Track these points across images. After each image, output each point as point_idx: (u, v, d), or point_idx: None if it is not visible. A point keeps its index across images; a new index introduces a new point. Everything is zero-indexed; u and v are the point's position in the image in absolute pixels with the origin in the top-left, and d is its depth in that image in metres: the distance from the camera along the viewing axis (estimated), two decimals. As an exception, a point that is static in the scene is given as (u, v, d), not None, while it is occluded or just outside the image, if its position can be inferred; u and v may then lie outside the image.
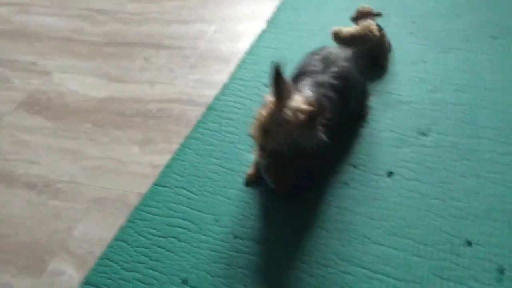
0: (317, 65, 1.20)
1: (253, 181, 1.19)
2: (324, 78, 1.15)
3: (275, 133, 1.01)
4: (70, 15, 2.06)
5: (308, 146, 1.03)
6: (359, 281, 0.98)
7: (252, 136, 1.07)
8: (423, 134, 1.30)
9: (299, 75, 1.20)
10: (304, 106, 1.00)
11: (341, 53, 1.26)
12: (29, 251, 1.12)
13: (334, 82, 1.14)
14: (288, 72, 1.09)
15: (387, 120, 1.36)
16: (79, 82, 1.67)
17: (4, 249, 1.13)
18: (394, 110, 1.39)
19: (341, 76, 1.17)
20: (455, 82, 1.47)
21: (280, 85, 1.01)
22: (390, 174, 1.20)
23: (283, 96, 1.02)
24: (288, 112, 1.00)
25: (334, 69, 1.18)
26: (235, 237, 1.09)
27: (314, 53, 1.28)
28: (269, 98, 1.05)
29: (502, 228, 1.04)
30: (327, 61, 1.21)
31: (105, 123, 1.49)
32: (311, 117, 0.99)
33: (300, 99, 1.03)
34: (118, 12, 2.06)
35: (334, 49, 1.29)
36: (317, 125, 1.00)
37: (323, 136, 1.03)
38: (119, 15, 2.04)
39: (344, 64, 1.21)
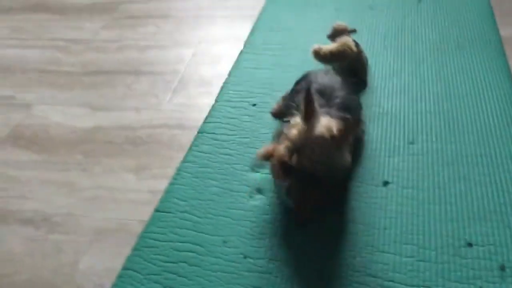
0: (318, 99, 1.21)
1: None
2: (331, 111, 1.17)
3: (310, 150, 1.03)
4: (43, 46, 2.04)
5: (338, 167, 1.06)
6: (373, 289, 1.01)
7: (268, 158, 1.09)
8: (411, 143, 1.37)
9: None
10: (335, 123, 1.05)
11: (332, 81, 1.30)
12: (34, 289, 1.10)
13: (342, 114, 1.17)
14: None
15: (375, 132, 1.42)
16: (62, 114, 1.65)
17: (7, 290, 1.10)
18: (380, 122, 1.46)
19: (345, 107, 1.21)
20: (433, 91, 1.55)
21: (312, 107, 1.05)
22: (385, 183, 1.25)
23: (313, 118, 1.05)
24: (322, 128, 1.04)
25: (336, 100, 1.22)
26: (245, 256, 1.10)
27: (303, 86, 1.30)
28: (298, 120, 1.08)
29: (498, 227, 1.11)
30: (324, 95, 1.23)
31: (95, 153, 1.47)
32: (344, 133, 1.04)
33: (328, 119, 1.06)
34: (93, 41, 2.06)
35: (320, 76, 1.33)
36: (348, 142, 1.04)
37: (349, 157, 1.07)
38: (94, 43, 2.04)
39: (342, 93, 1.25)
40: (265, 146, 1.17)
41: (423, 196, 1.21)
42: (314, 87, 1.25)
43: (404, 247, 1.09)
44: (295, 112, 1.12)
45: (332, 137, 1.04)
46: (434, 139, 1.37)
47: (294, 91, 1.37)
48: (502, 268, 1.02)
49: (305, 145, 1.04)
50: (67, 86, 1.79)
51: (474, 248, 1.07)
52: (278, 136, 1.16)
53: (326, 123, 1.05)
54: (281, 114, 1.36)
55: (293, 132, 1.06)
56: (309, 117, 1.06)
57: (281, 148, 1.08)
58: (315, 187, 1.08)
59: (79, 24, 2.18)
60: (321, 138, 1.04)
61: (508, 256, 1.04)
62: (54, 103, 1.70)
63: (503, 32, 1.80)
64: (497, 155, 1.30)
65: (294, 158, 1.04)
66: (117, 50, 1.97)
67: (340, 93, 1.25)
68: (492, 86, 1.54)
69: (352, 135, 1.08)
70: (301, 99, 1.06)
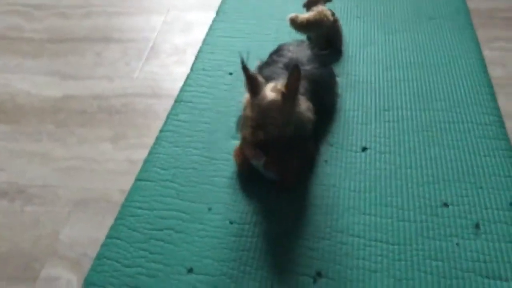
0: (283, 72, 1.23)
1: (246, 169, 1.20)
2: (276, 74, 1.22)
3: (269, 120, 1.05)
4: (3, 11, 1.93)
5: (304, 120, 1.08)
6: (356, 249, 1.05)
7: (243, 138, 1.10)
8: (386, 110, 1.40)
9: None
10: (279, 83, 1.07)
11: (301, 55, 1.31)
12: (14, 261, 1.06)
13: (306, 85, 1.19)
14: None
15: (351, 100, 1.44)
16: (29, 82, 1.58)
17: (-15, 263, 1.06)
18: (355, 89, 1.48)
19: (310, 80, 1.23)
20: (405, 61, 1.59)
21: (254, 82, 1.07)
22: (364, 149, 1.28)
23: (259, 90, 1.07)
24: (270, 93, 1.05)
25: (304, 73, 1.22)
26: (231, 222, 1.11)
27: (273, 59, 1.33)
28: (247, 96, 1.09)
29: (471, 188, 1.16)
30: (290, 67, 1.23)
31: (67, 123, 1.42)
32: (290, 86, 1.05)
33: (270, 84, 1.09)
34: (56, 7, 1.96)
35: (292, 49, 1.34)
36: (299, 96, 1.07)
37: (310, 114, 1.09)
38: (58, 9, 1.95)
39: (309, 67, 1.27)
40: (235, 152, 1.21)
41: (400, 161, 1.25)
42: (282, 61, 1.29)
43: (384, 209, 1.13)
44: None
45: (283, 95, 1.05)
46: (408, 106, 1.41)
47: (265, 63, 1.36)
48: (477, 226, 1.08)
49: (265, 116, 1.06)
50: (32, 53, 1.70)
51: (450, 208, 1.12)
52: (240, 122, 1.18)
53: (271, 87, 1.08)
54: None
55: (249, 111, 1.08)
56: (256, 91, 1.07)
57: (245, 141, 1.11)
58: (290, 152, 1.10)
59: (40, -11, 2.07)
60: (274, 101, 1.06)
61: (482, 214, 1.10)
62: (20, 71, 1.63)
63: (470, 4, 1.85)
64: (468, 121, 1.35)
65: (261, 133, 1.06)
66: (84, 16, 1.89)
67: (307, 67, 1.27)
68: (462, 55, 1.59)
69: (299, 82, 1.08)
70: (245, 80, 1.08)
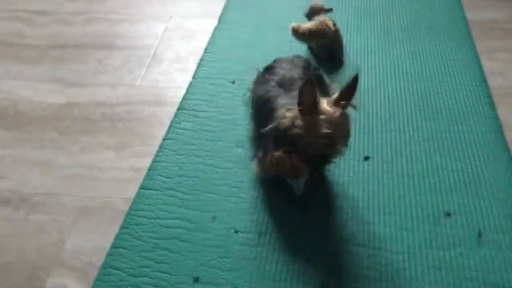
0: (279, 90, 1.22)
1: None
2: (293, 99, 1.15)
3: (343, 133, 1.03)
4: (4, 17, 1.93)
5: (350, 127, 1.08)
6: (362, 259, 1.06)
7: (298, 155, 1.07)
8: (388, 119, 1.42)
9: (266, 102, 1.21)
10: (329, 97, 1.05)
11: (293, 72, 1.28)
12: (20, 270, 1.06)
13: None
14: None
15: (352, 110, 1.45)
16: (31, 89, 1.58)
17: (-10, 271, 1.06)
18: (357, 100, 1.49)
19: None
20: (406, 71, 1.61)
21: (313, 96, 1.02)
22: (366, 158, 1.30)
23: (317, 106, 1.03)
24: (333, 107, 1.02)
25: (295, 92, 1.18)
26: (236, 231, 1.12)
27: (265, 78, 1.30)
28: (290, 115, 1.05)
29: (473, 198, 1.18)
30: (284, 85, 1.23)
31: (70, 130, 1.43)
32: (348, 100, 1.04)
33: (323, 99, 1.05)
34: (57, 13, 1.97)
35: (284, 66, 1.31)
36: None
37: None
38: (59, 15, 1.95)
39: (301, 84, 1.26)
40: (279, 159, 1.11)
41: (402, 170, 1.26)
42: (275, 79, 1.26)
43: (388, 218, 1.14)
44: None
45: (343, 107, 1.04)
46: (409, 116, 1.43)
47: (258, 82, 1.34)
48: (479, 235, 1.09)
49: (338, 129, 1.02)
50: (34, 60, 1.71)
51: (452, 217, 1.14)
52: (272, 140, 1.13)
53: (326, 101, 1.05)
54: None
55: (303, 129, 1.03)
56: (316, 107, 1.02)
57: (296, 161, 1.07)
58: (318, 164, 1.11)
59: (41, -5, 2.08)
60: (344, 114, 1.04)
61: (484, 224, 1.12)
62: (22, 77, 1.63)
63: (469, 15, 1.88)
64: (468, 131, 1.37)
65: (338, 148, 1.03)
66: (85, 23, 1.90)
67: (299, 83, 1.26)
68: (461, 66, 1.61)
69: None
70: (301, 95, 1.02)
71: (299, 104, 1.03)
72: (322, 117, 1.01)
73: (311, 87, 1.01)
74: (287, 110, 1.08)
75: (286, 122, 1.06)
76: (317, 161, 1.07)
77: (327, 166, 1.20)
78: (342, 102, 1.04)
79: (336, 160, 1.08)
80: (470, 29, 1.79)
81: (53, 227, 1.15)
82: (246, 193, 1.21)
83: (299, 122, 1.03)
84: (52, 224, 1.16)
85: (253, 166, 1.22)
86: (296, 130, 1.03)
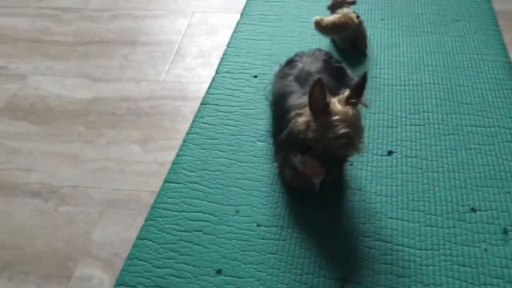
0: (295, 85, 1.23)
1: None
2: (305, 95, 1.15)
3: (359, 131, 1.03)
4: (32, 14, 1.97)
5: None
6: (384, 254, 1.05)
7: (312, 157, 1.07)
8: (412, 113, 1.40)
9: (281, 99, 1.22)
10: (341, 96, 1.04)
11: (312, 66, 1.28)
12: (49, 260, 1.10)
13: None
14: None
15: (377, 103, 1.44)
16: (59, 84, 1.62)
17: (21, 261, 1.10)
18: (381, 93, 1.48)
19: None
20: (430, 63, 1.58)
21: (324, 99, 1.02)
22: (390, 153, 1.29)
23: (328, 107, 1.03)
24: (345, 108, 1.02)
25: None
26: (258, 225, 1.13)
27: (284, 73, 1.30)
28: (302, 120, 1.05)
29: (499, 193, 1.16)
30: (301, 79, 1.24)
31: (97, 125, 1.46)
32: (359, 97, 1.04)
33: (335, 99, 1.05)
34: (83, 10, 2.00)
35: (304, 60, 1.31)
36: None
37: None
38: (85, 12, 1.99)
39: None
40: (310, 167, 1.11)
41: (427, 165, 1.25)
42: (293, 73, 1.26)
43: (411, 213, 1.13)
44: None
45: (355, 105, 1.04)
46: (434, 109, 1.41)
47: (277, 77, 1.34)
48: (505, 231, 1.08)
49: (355, 128, 1.02)
50: (61, 56, 1.74)
51: (477, 213, 1.12)
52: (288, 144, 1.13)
53: (337, 101, 1.04)
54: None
55: (317, 132, 1.03)
56: (325, 109, 1.02)
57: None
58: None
59: (67, -8, 2.12)
60: (356, 113, 1.03)
61: (510, 220, 1.10)
62: (50, 73, 1.67)
63: (496, 6, 1.83)
64: (494, 125, 1.34)
65: (355, 146, 1.03)
66: (110, 19, 1.93)
67: (315, 77, 1.25)
68: (488, 58, 1.58)
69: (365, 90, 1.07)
70: (311, 97, 1.02)
71: (310, 106, 1.03)
72: (337, 117, 1.01)
73: (321, 88, 1.00)
74: (298, 115, 1.07)
75: (299, 127, 1.05)
76: (336, 161, 1.06)
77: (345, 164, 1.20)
78: (353, 100, 1.03)
79: (359, 156, 1.08)
80: (497, 20, 1.75)
81: (81, 219, 1.19)
82: (268, 187, 1.21)
83: (313, 125, 1.03)
84: (80, 216, 1.19)
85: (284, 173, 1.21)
86: (311, 134, 1.03)
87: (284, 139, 1.11)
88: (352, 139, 1.02)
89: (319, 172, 1.11)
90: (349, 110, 1.02)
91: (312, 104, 1.02)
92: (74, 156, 1.36)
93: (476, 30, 1.71)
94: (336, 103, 1.03)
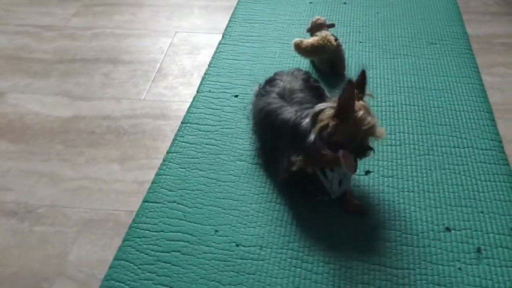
0: (280, 102, 1.28)
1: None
2: (295, 109, 1.24)
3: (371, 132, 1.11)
4: (11, 31, 1.97)
5: None
6: (361, 274, 1.06)
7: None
8: (389, 133, 1.43)
9: (270, 115, 1.27)
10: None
11: (293, 84, 1.34)
12: (24, 281, 1.08)
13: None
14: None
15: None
16: (38, 102, 1.61)
17: (-5, 282, 1.08)
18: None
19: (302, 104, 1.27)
20: (406, 85, 1.62)
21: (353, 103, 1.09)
22: (367, 172, 1.31)
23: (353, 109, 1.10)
24: (365, 108, 1.10)
25: (296, 100, 1.28)
26: (237, 244, 1.13)
27: (266, 91, 1.35)
28: (333, 123, 1.10)
29: (473, 213, 1.19)
30: (285, 96, 1.30)
31: (76, 143, 1.45)
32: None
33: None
34: (65, 28, 2.01)
35: (285, 78, 1.37)
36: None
37: None
38: (66, 30, 1.99)
39: (301, 94, 1.30)
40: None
41: (403, 185, 1.27)
42: (275, 91, 1.32)
43: (388, 233, 1.15)
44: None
45: (360, 98, 1.13)
46: (409, 130, 1.44)
47: (259, 95, 1.38)
48: (478, 250, 1.10)
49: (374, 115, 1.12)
50: (41, 74, 1.74)
51: (452, 232, 1.15)
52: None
53: (361, 102, 1.11)
54: None
55: (367, 118, 1.10)
56: (350, 111, 1.09)
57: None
58: None
59: (49, 10, 2.12)
60: (368, 104, 1.13)
61: (484, 239, 1.13)
62: (29, 91, 1.66)
63: (470, 30, 1.90)
64: (468, 146, 1.38)
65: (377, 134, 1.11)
66: (92, 37, 1.93)
67: (299, 94, 1.31)
68: (462, 80, 1.63)
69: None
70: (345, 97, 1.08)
71: (340, 106, 1.08)
72: (362, 112, 1.08)
73: (354, 88, 1.08)
74: (322, 114, 1.12)
75: (330, 130, 1.10)
76: (366, 151, 1.13)
77: None
78: (360, 95, 1.12)
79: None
80: (471, 44, 1.81)
81: (57, 239, 1.17)
82: (248, 206, 1.22)
83: (343, 125, 1.09)
84: (56, 235, 1.18)
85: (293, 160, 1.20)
86: (347, 133, 1.09)
87: (315, 139, 1.13)
88: (375, 125, 1.10)
89: (356, 166, 1.16)
90: (365, 103, 1.12)
91: (346, 104, 1.08)
92: (51, 175, 1.35)
93: (450, 53, 1.76)
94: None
